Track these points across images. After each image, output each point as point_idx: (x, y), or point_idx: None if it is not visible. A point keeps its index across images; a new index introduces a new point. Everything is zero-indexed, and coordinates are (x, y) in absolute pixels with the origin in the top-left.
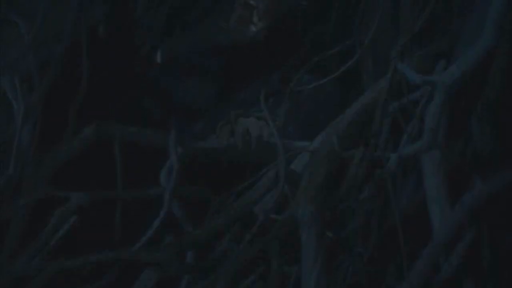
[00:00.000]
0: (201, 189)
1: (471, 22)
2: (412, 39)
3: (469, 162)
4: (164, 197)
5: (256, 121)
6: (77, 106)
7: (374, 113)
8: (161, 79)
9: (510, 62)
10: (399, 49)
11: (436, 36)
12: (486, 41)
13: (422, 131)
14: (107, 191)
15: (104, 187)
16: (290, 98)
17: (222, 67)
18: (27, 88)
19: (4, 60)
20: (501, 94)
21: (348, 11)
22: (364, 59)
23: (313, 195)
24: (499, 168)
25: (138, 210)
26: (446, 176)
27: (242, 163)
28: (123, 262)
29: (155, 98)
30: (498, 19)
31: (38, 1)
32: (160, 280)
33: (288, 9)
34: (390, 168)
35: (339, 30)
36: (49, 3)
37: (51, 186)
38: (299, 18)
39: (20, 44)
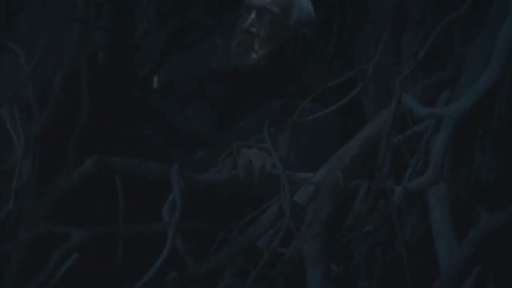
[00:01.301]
0: (204, 224)
1: (475, 50)
2: (415, 67)
3: (474, 193)
4: (167, 233)
5: (258, 152)
6: (77, 137)
7: (378, 145)
8: (160, 106)
9: None
10: (403, 80)
11: (439, 65)
12: (493, 74)
13: (427, 163)
14: (108, 227)
15: (104, 217)
16: (293, 129)
17: (223, 94)
18: (26, 118)
19: (3, 90)
20: (505, 124)
21: (349, 38)
22: (365, 86)
23: (318, 232)
24: (504, 199)
25: (139, 241)
26: (452, 210)
27: (245, 195)
28: None
29: (155, 125)
30: (505, 51)
31: (38, 30)
32: None
33: (290, 37)
34: (395, 201)
35: (341, 57)
36: (49, 32)
37: (51, 220)
38: (300, 45)
39: (20, 73)
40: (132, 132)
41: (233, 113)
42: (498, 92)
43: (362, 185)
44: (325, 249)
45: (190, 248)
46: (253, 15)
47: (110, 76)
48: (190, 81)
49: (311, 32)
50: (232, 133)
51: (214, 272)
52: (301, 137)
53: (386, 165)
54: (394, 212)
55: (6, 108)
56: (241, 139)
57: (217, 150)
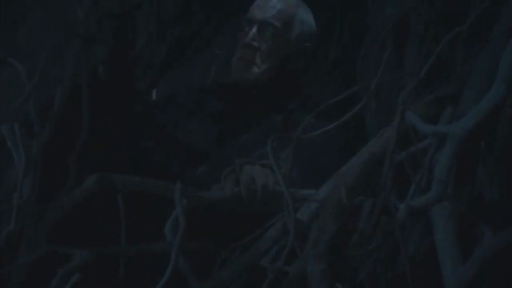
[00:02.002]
0: (207, 242)
1: (478, 66)
2: (418, 83)
3: (477, 210)
4: (170, 252)
5: (261, 168)
6: (78, 152)
7: (381, 162)
8: (160, 119)
9: None
10: (406, 97)
11: (442, 80)
12: (498, 92)
13: (431, 179)
14: (111, 247)
15: (104, 232)
16: (296, 145)
17: (224, 108)
18: (27, 134)
19: (2, 103)
20: (509, 142)
21: (350, 48)
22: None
23: (323, 251)
24: (508, 216)
25: (141, 260)
26: (456, 228)
27: (248, 211)
28: None
29: (155, 139)
30: (510, 69)
31: (38, 42)
32: None
33: (291, 51)
34: (399, 218)
35: (341, 66)
36: (49, 47)
37: (53, 237)
38: (302, 59)
39: (18, 85)
40: (132, 146)
41: (234, 127)
42: (502, 109)
43: (366, 202)
44: (329, 268)
45: (193, 267)
46: (254, 29)
47: (110, 90)
48: (191, 94)
49: (313, 45)
50: (234, 147)
51: None
52: (303, 152)
53: (389, 182)
54: (398, 229)
55: (6, 125)
56: (243, 153)
57: (218, 165)
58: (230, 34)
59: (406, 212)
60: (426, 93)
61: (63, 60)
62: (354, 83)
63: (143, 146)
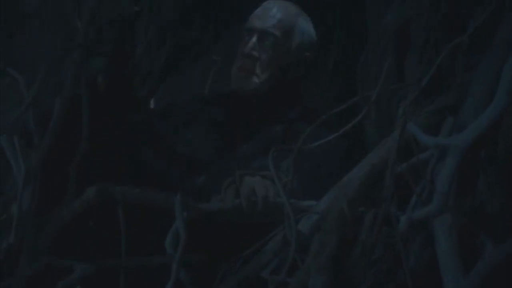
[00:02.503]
0: (207, 253)
1: (478, 76)
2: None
3: (479, 222)
4: (170, 265)
5: (261, 180)
6: (78, 163)
7: (383, 173)
8: (160, 129)
9: None
10: (406, 107)
11: (442, 90)
12: (500, 104)
13: (432, 190)
14: (111, 260)
15: (105, 242)
16: (297, 156)
17: (223, 118)
18: (26, 144)
19: (2, 116)
20: (510, 152)
21: (351, 61)
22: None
23: (324, 263)
24: (509, 227)
25: (141, 272)
26: (457, 240)
27: (248, 224)
28: None
29: (154, 148)
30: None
31: (38, 55)
32: None
33: (292, 61)
34: (400, 230)
35: (341, 73)
36: (49, 57)
37: (53, 249)
38: (302, 69)
39: (19, 99)
40: (131, 156)
41: (234, 137)
42: (503, 120)
43: (367, 214)
44: (330, 280)
45: (193, 280)
46: (254, 39)
47: (108, 99)
48: (190, 103)
49: (313, 54)
50: (233, 157)
51: None
52: (303, 162)
53: (390, 193)
54: (399, 241)
55: (5, 136)
56: (243, 163)
57: (218, 175)
58: (229, 42)
59: (408, 223)
60: (426, 103)
61: (63, 70)
62: (355, 91)
63: (143, 156)
